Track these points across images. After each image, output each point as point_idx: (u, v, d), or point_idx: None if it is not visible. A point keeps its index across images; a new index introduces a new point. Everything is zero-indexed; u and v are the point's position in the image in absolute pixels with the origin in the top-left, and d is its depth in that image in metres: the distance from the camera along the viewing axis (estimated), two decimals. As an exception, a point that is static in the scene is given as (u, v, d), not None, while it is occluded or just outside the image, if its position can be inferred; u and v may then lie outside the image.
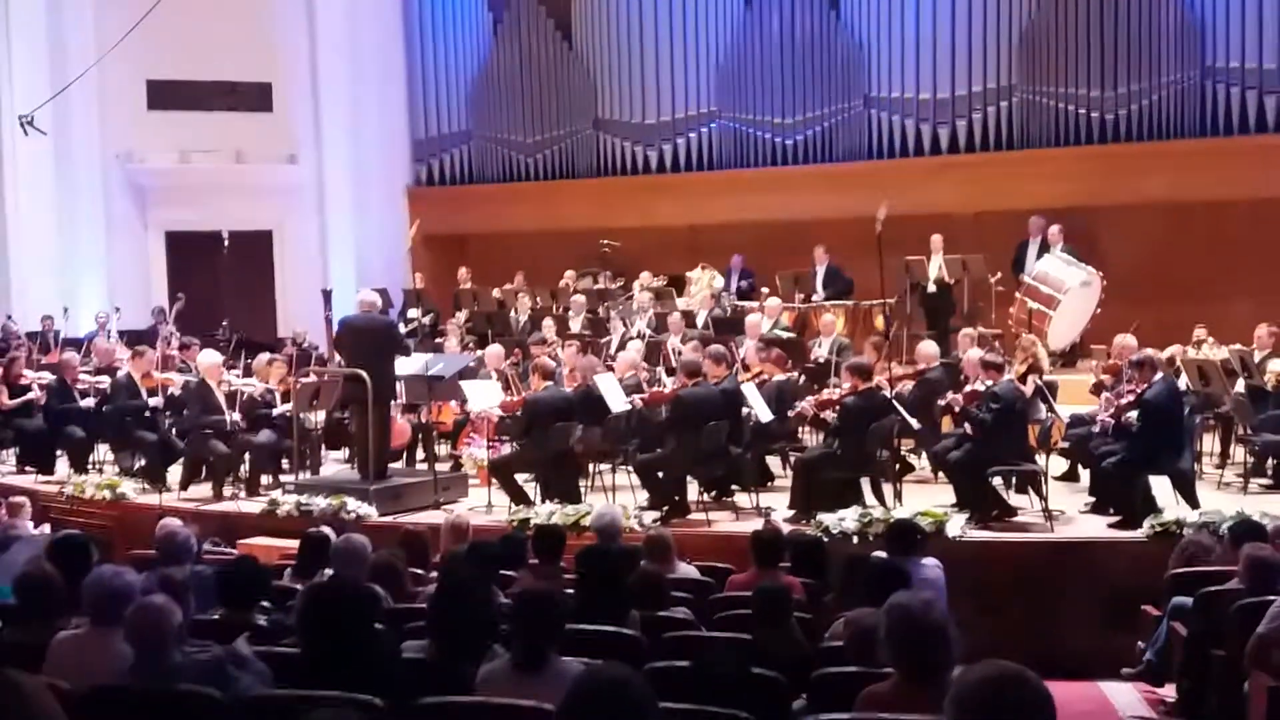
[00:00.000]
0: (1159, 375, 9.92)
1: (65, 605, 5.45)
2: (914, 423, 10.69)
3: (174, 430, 12.46)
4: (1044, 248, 15.05)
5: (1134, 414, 9.82)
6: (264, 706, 4.34)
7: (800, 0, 18.06)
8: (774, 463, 11.66)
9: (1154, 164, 16.02)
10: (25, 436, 13.47)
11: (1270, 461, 11.00)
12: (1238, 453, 11.47)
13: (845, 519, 9.46)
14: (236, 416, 11.83)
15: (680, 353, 12.44)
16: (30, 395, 13.51)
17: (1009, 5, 16.96)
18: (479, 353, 13.40)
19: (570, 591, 5.96)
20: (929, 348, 11.84)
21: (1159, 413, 9.70)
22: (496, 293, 16.92)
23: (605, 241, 17.32)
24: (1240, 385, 11.31)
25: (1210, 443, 11.71)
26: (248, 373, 13.05)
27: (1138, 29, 16.31)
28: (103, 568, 5.44)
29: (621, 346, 13.28)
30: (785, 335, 13.56)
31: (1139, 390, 9.83)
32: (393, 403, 11.53)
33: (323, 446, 12.92)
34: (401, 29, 20.71)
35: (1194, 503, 9.54)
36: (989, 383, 9.94)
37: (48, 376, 13.74)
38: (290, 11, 19.97)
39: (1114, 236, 15.86)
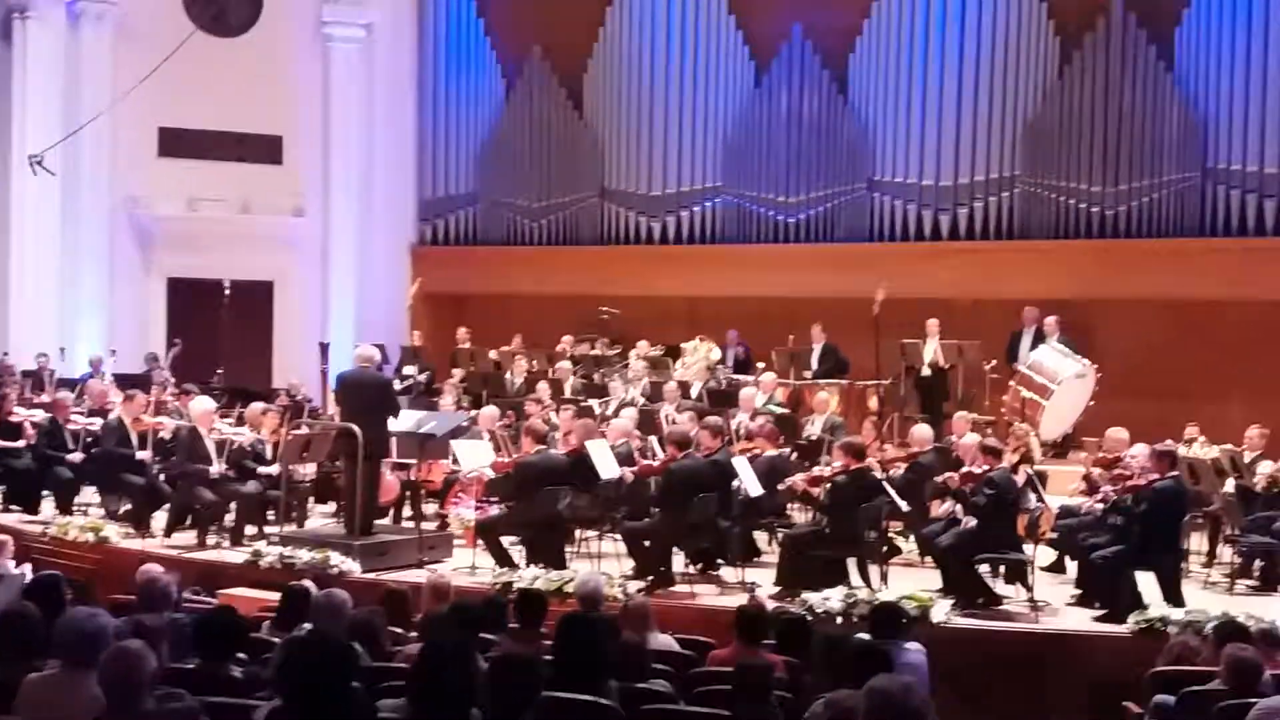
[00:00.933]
0: (1175, 470, 9.94)
1: (42, 645, 5.39)
2: (904, 505, 10.68)
3: (161, 475, 12.41)
4: (1038, 337, 15.08)
5: (1133, 504, 9.82)
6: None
7: (808, 81, 18.24)
8: (761, 538, 11.60)
9: (1152, 261, 16.11)
10: (12, 475, 13.42)
11: (1257, 563, 10.95)
12: (1225, 553, 11.43)
13: (830, 598, 9.42)
14: (223, 467, 11.80)
15: (674, 421, 12.44)
16: (21, 441, 13.46)
17: (1015, 97, 17.12)
18: (473, 413, 13.39)
19: (549, 659, 5.91)
20: (923, 431, 11.84)
21: (1166, 505, 9.70)
22: (494, 354, 16.92)
23: (604, 309, 17.36)
24: (1230, 485, 11.30)
25: (1198, 541, 11.66)
26: (240, 421, 13.04)
27: (1141, 127, 16.43)
28: (78, 609, 5.37)
29: (616, 413, 13.26)
30: (778, 411, 13.55)
31: (1153, 480, 9.82)
32: (383, 459, 11.50)
33: (311, 499, 12.87)
34: (414, 89, 20.90)
35: (1179, 601, 9.51)
36: (985, 467, 9.93)
37: (40, 415, 13.71)
38: (304, 66, 20.16)
39: (1110, 331, 15.89)
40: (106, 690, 4.60)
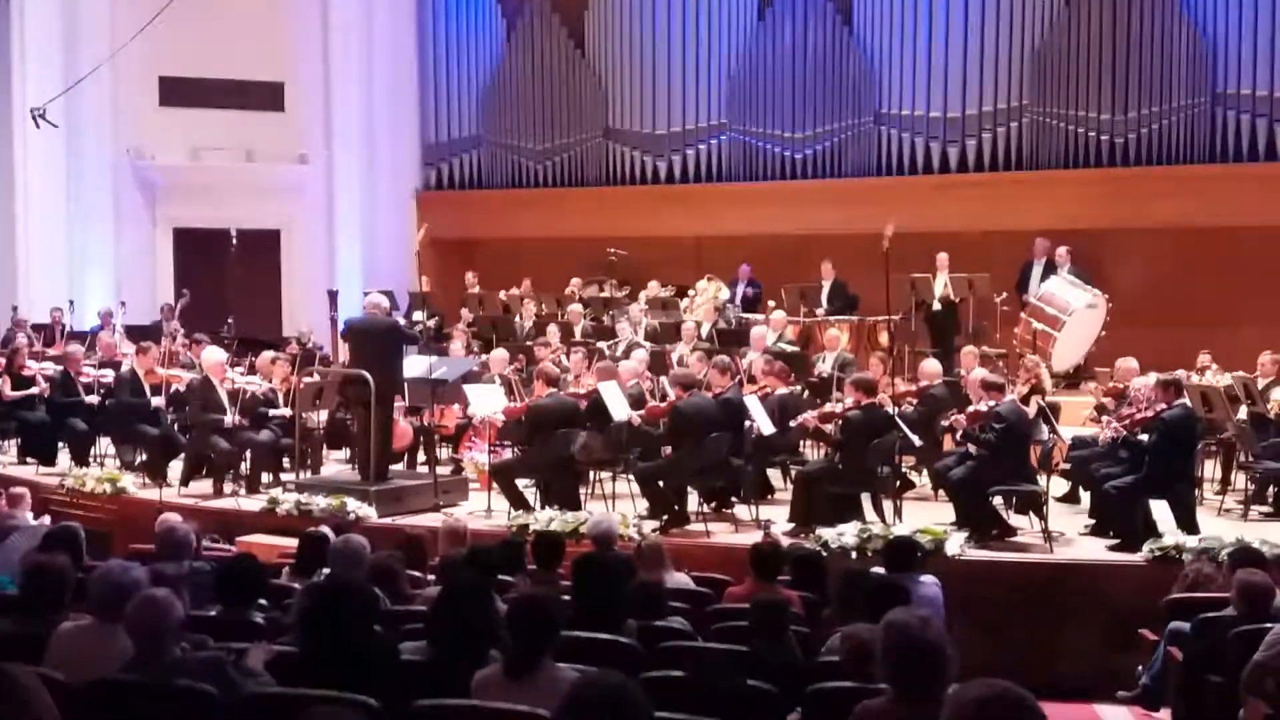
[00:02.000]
0: (1183, 399, 9.93)
1: (72, 597, 5.43)
2: (916, 439, 10.69)
3: (176, 426, 12.47)
4: (1049, 268, 15.08)
5: (1144, 434, 9.84)
6: (262, 704, 4.32)
7: (813, 15, 18.11)
8: (775, 475, 11.66)
9: (1162, 189, 16.04)
10: (28, 428, 13.48)
11: (1271, 489, 10.97)
12: (1239, 479, 11.46)
13: (844, 534, 9.46)
14: (237, 417, 11.84)
15: (686, 363, 12.45)
16: (35, 389, 13.53)
17: (1021, 26, 16.99)
18: (483, 357, 13.39)
19: (567, 599, 5.96)
20: (932, 365, 11.84)
21: (1176, 434, 9.71)
22: (502, 297, 16.93)
23: (612, 250, 17.35)
24: (1243, 412, 11.29)
25: (1212, 469, 11.70)
26: (252, 371, 13.07)
27: (1150, 53, 16.34)
28: (111, 562, 5.40)
29: (625, 354, 13.26)
30: (789, 349, 13.56)
31: (1159, 410, 9.82)
32: (395, 405, 11.53)
33: (324, 446, 12.93)
34: (415, 33, 20.75)
35: (1193, 528, 9.54)
36: (991, 403, 9.94)
37: (51, 368, 13.76)
38: (304, 12, 20.00)
39: (1121, 260, 15.87)
40: (135, 638, 4.64)
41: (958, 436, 10.33)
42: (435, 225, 19.26)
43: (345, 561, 6.69)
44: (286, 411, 12.09)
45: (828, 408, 10.80)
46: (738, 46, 18.65)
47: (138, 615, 4.64)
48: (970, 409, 10.23)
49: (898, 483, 10.77)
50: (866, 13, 17.85)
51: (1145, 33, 16.35)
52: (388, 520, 10.28)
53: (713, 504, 10.78)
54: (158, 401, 12.64)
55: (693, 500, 10.63)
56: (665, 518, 10.20)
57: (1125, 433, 10.14)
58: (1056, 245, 15.12)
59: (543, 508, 10.41)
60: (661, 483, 10.52)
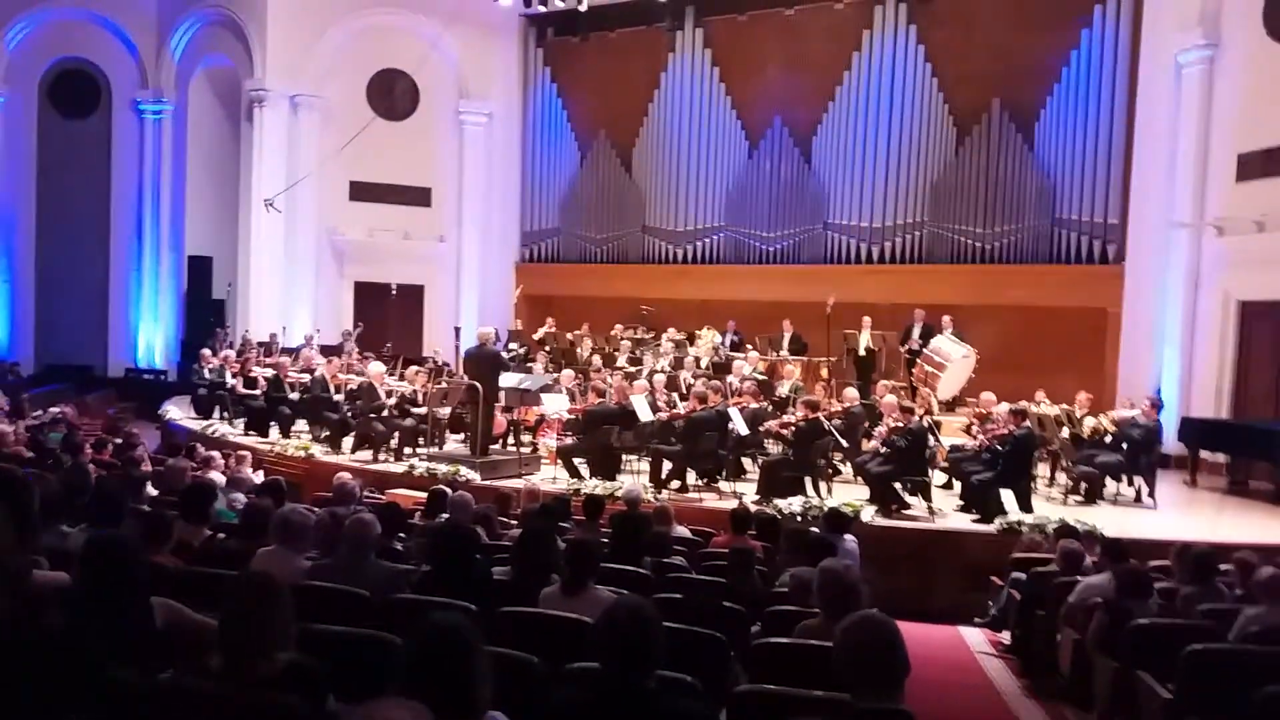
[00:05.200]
0: (1027, 422, 9.95)
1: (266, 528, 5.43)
2: (843, 442, 10.66)
3: (349, 414, 12.58)
4: (927, 329, 14.94)
5: (1000, 445, 9.81)
6: (402, 606, 4.32)
7: (785, 154, 18.08)
8: (748, 462, 11.62)
9: (1015, 280, 15.92)
10: (251, 411, 13.64)
11: (1082, 485, 10.88)
12: (1060, 478, 11.37)
13: (793, 504, 9.45)
14: (390, 408, 11.90)
15: (690, 385, 12.44)
16: (257, 388, 13.66)
17: (925, 167, 16.90)
18: (556, 375, 13.43)
19: (605, 541, 5.95)
20: (851, 391, 11.81)
21: (1022, 446, 9.70)
22: (570, 336, 16.94)
23: (644, 307, 17.35)
24: (1065, 432, 11.22)
25: (1043, 469, 11.61)
26: (402, 378, 13.16)
27: (1011, 188, 16.23)
28: (293, 507, 5.40)
29: (649, 378, 13.27)
30: (760, 378, 13.51)
31: (1011, 429, 9.80)
32: (495, 405, 11.57)
33: (447, 431, 12.99)
34: (519, 156, 20.86)
35: (1030, 510, 9.46)
36: (900, 423, 9.88)
37: (269, 372, 13.89)
38: (446, 140, 20.20)
39: (985, 326, 15.73)
40: (347, 547, 4.60)
41: (879, 444, 10.28)
42: (527, 286, 19.42)
43: (458, 510, 6.73)
44: (423, 407, 12.16)
45: (785, 418, 10.79)
46: (733, 173, 18.63)
47: (351, 529, 4.63)
48: (888, 425, 10.17)
49: (830, 471, 10.74)
50: (821, 155, 17.79)
51: (1008, 175, 16.25)
52: (487, 482, 10.34)
53: (705, 480, 10.78)
54: (338, 397, 12.74)
55: (691, 477, 10.63)
56: (667, 487, 10.19)
57: (987, 443, 10.09)
58: (940, 315, 14.99)
59: (590, 478, 10.42)
60: (668, 464, 10.51)
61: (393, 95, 19.65)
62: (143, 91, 20.48)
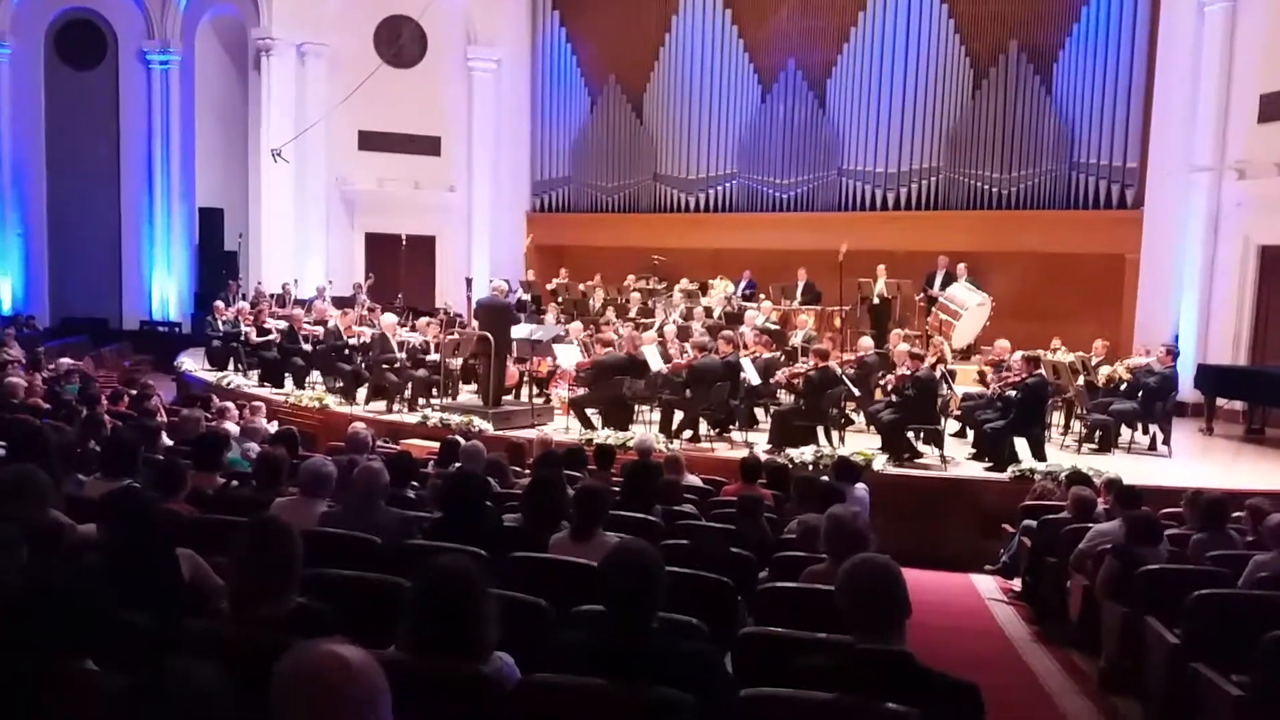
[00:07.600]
0: (1040, 370, 9.91)
1: (286, 476, 5.50)
2: (855, 391, 10.66)
3: (363, 364, 12.64)
4: (947, 277, 14.87)
5: (1012, 392, 9.78)
6: (413, 551, 4.38)
7: (798, 98, 17.85)
8: (759, 412, 11.65)
9: (1031, 226, 15.78)
10: (265, 362, 13.71)
11: (1097, 433, 10.88)
12: (1075, 425, 11.36)
13: (804, 453, 9.48)
14: (403, 359, 11.95)
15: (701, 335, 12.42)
16: (270, 336, 13.73)
17: (941, 111, 16.68)
18: (567, 326, 13.44)
19: (616, 489, 5.99)
20: (866, 341, 11.82)
21: (1034, 394, 9.66)
22: (581, 287, 16.92)
23: (656, 257, 17.28)
24: (1080, 380, 11.19)
25: (1058, 417, 11.61)
26: (413, 329, 13.19)
27: (1027, 133, 16.03)
28: (315, 457, 5.42)
29: (660, 328, 13.26)
30: (773, 328, 13.49)
31: (1024, 376, 9.76)
32: (507, 356, 11.60)
33: (460, 381, 13.05)
34: (529, 104, 20.65)
35: (1043, 457, 9.47)
36: (912, 370, 9.87)
37: (282, 324, 13.94)
38: (455, 88, 20.01)
39: (1001, 273, 15.65)
40: (356, 495, 4.65)
41: (889, 391, 10.28)
42: (539, 236, 19.34)
43: (470, 459, 6.77)
44: (436, 357, 12.21)
45: (796, 368, 10.79)
46: (746, 119, 18.43)
47: (362, 476, 4.68)
48: (897, 373, 10.17)
49: (842, 420, 10.75)
50: (835, 98, 17.57)
51: (1025, 119, 16.03)
52: (500, 432, 10.39)
53: (716, 430, 10.82)
54: (352, 346, 12.79)
55: (703, 427, 10.67)
56: (678, 437, 10.23)
57: (1000, 391, 10.07)
58: (957, 262, 14.91)
59: (602, 428, 10.48)
60: (679, 413, 10.54)
61: (400, 42, 19.42)
62: (149, 42, 20.30)
